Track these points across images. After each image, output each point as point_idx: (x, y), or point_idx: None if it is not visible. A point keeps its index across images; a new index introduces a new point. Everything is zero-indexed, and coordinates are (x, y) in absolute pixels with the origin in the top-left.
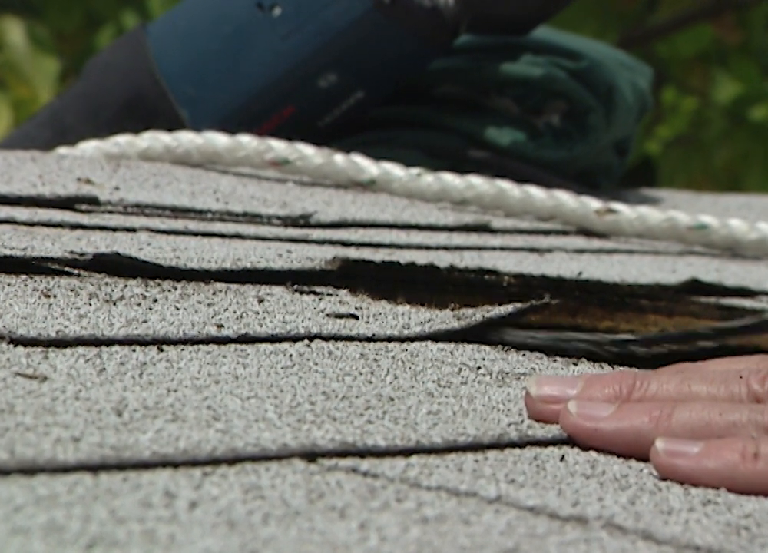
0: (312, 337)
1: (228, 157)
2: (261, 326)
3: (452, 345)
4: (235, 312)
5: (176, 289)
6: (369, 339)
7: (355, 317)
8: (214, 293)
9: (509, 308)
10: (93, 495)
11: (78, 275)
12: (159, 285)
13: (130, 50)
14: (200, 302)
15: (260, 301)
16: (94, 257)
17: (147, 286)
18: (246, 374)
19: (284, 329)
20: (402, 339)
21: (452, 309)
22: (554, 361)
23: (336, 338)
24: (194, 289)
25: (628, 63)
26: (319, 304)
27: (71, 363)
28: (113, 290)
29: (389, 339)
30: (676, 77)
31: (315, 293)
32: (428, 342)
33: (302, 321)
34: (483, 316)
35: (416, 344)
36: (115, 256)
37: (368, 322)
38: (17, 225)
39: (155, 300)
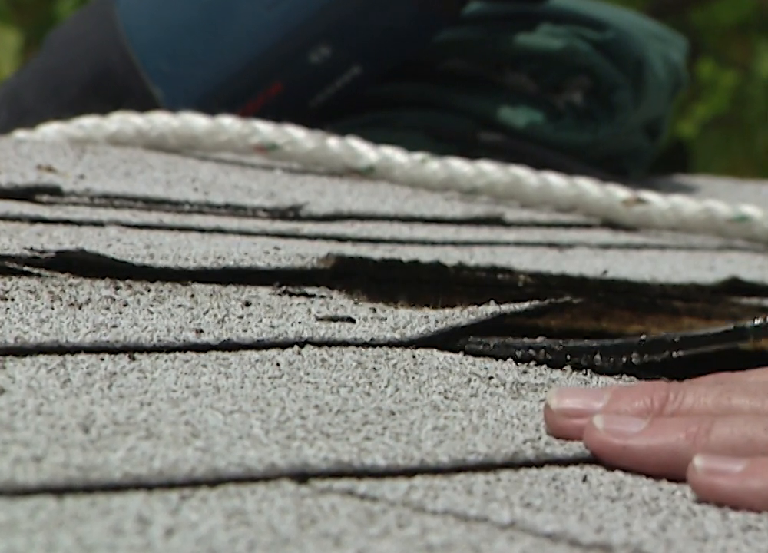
0: (302, 343)
1: (208, 142)
2: (246, 330)
3: (460, 354)
4: (216, 315)
5: (149, 290)
6: (366, 345)
7: (352, 320)
8: (193, 295)
9: (525, 305)
10: (57, 520)
11: (39, 275)
12: (130, 286)
13: (96, 20)
14: (177, 305)
15: (246, 304)
16: (56, 255)
17: (116, 288)
18: (229, 385)
19: (272, 334)
20: (404, 344)
21: (461, 309)
22: (576, 371)
23: (329, 343)
24: (170, 291)
25: (660, 33)
26: (311, 306)
27: (32, 374)
28: (78, 292)
29: (389, 345)
30: (714, 49)
31: (306, 294)
32: (434, 350)
33: (292, 325)
34: (495, 312)
35: (420, 351)
36: (81, 253)
37: (365, 326)
38: None
39: (126, 303)
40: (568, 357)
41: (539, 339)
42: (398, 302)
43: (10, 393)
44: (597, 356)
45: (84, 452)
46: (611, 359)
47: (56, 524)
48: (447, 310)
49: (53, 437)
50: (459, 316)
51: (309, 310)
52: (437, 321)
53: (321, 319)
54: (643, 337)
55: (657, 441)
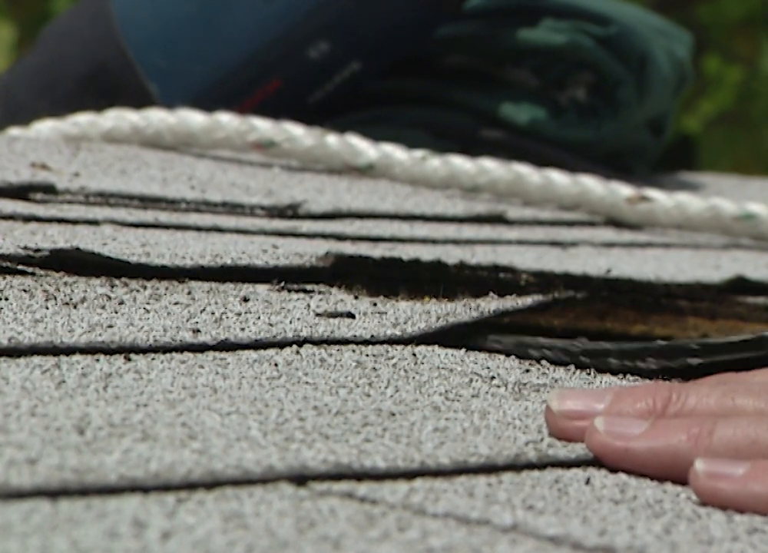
0: (301, 342)
1: (205, 139)
2: (243, 329)
3: (462, 351)
4: (213, 313)
5: (145, 288)
6: (366, 342)
7: (351, 316)
8: (189, 292)
9: (528, 301)
10: (52, 524)
11: (33, 274)
12: (126, 284)
13: (91, 15)
14: (173, 303)
15: (244, 300)
16: (51, 253)
17: (112, 286)
18: (227, 386)
19: (270, 332)
20: (404, 341)
21: (463, 304)
22: (580, 370)
23: (328, 342)
24: (167, 288)
25: (664, 29)
26: (310, 302)
27: (26, 375)
28: (73, 290)
29: (390, 341)
30: (719, 45)
31: (305, 290)
32: (435, 347)
33: (291, 322)
34: (498, 309)
35: (421, 348)
36: (75, 251)
37: (365, 322)
38: None
39: (122, 302)
40: (583, 359)
41: (556, 341)
42: (399, 296)
43: (4, 394)
44: (613, 359)
45: (79, 454)
46: (625, 362)
47: (50, 527)
48: (449, 305)
49: (47, 439)
50: (461, 312)
51: (308, 305)
52: (438, 317)
53: (320, 315)
54: (662, 343)
55: (658, 443)
